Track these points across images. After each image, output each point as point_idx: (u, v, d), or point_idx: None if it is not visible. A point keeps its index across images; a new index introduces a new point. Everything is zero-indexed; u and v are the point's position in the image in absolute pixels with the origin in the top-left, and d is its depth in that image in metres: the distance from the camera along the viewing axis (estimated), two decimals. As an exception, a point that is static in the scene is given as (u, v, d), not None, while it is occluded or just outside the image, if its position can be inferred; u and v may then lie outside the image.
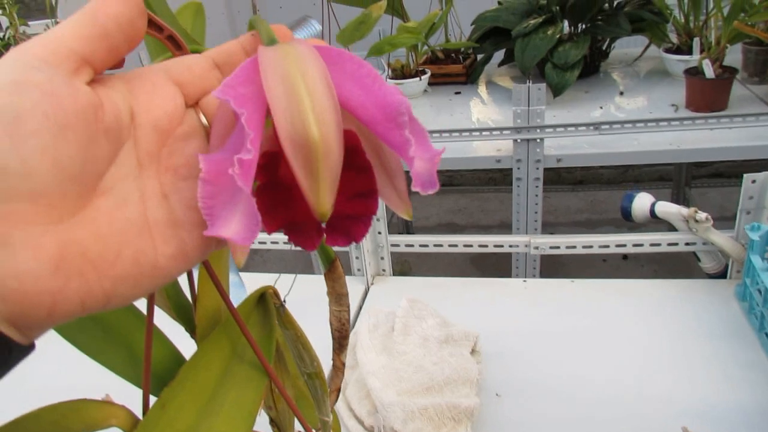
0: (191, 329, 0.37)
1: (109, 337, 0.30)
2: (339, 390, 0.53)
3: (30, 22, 1.96)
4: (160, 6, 0.34)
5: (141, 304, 0.34)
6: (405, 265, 2.30)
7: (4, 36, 1.90)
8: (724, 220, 0.83)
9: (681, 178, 2.13)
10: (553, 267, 2.09)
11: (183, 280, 0.48)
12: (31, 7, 2.59)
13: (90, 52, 0.20)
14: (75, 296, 0.19)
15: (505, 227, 2.54)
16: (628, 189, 2.54)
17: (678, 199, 2.14)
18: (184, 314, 0.36)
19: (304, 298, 0.56)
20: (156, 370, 0.32)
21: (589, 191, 2.68)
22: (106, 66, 0.21)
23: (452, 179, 2.93)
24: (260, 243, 1.06)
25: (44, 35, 0.20)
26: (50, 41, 0.19)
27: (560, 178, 2.71)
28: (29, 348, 0.19)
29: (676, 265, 2.06)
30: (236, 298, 0.84)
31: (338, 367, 0.53)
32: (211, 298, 0.36)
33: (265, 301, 0.37)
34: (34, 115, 0.18)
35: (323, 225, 0.24)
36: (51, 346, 0.33)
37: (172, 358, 0.33)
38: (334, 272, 0.49)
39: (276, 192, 0.22)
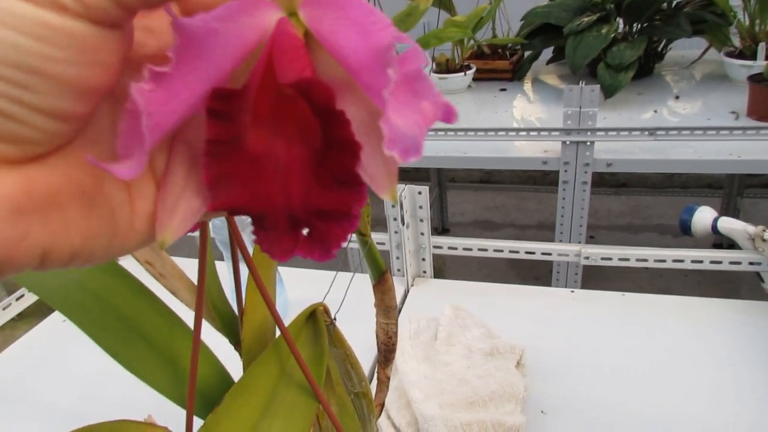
0: (236, 342, 0.35)
1: (154, 354, 0.28)
2: (383, 405, 0.50)
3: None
4: None
5: (187, 316, 0.32)
6: (439, 261, 2.27)
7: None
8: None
9: (733, 188, 2.04)
10: (594, 269, 2.03)
11: (230, 291, 0.46)
12: None
13: None
14: (36, 249, 0.15)
15: (544, 228, 2.48)
16: (674, 195, 2.47)
17: (728, 209, 2.05)
18: (229, 327, 0.34)
19: (341, 298, 0.54)
20: (201, 389, 0.30)
21: (633, 195, 2.60)
22: None
23: (490, 176, 2.88)
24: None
25: None
26: None
27: (603, 180, 2.64)
28: None
29: (722, 276, 1.99)
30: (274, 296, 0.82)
31: (383, 381, 0.50)
32: (259, 312, 0.34)
33: (316, 319, 0.34)
34: None
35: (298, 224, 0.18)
36: (92, 356, 0.31)
37: (218, 377, 0.31)
38: (384, 284, 0.46)
39: (233, 155, 0.17)
